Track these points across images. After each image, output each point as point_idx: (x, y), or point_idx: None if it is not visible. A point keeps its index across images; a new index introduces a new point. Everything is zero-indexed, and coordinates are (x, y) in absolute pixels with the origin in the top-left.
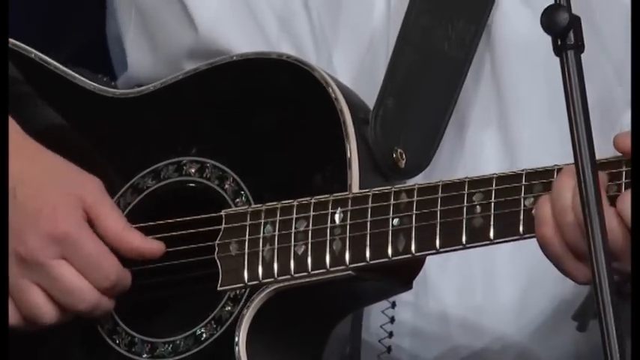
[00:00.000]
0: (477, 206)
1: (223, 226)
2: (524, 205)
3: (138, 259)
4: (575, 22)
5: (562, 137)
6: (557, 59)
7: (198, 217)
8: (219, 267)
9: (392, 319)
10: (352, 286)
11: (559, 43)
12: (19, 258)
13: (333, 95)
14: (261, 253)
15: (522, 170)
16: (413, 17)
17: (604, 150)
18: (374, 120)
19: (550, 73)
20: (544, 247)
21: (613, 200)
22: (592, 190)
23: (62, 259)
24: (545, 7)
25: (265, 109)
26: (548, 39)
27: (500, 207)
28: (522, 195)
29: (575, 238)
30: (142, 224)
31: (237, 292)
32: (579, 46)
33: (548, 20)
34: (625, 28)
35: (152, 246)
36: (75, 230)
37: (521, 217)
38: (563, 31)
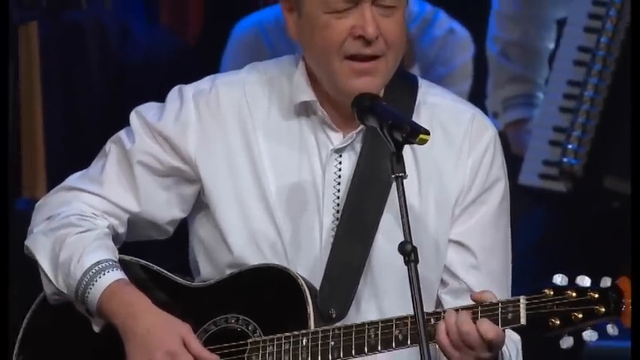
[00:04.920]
0: (372, 334)
1: (249, 347)
2: (396, 335)
3: None
4: (414, 249)
5: (407, 309)
6: (406, 268)
7: (238, 343)
8: None
9: None
10: None
11: (406, 259)
12: None
13: (301, 284)
14: (267, 358)
15: (392, 318)
16: (340, 239)
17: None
18: (320, 296)
19: (404, 276)
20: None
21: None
22: (422, 326)
23: None
24: (400, 241)
25: (266, 292)
26: (401, 257)
27: (383, 335)
28: (394, 330)
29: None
30: (210, 347)
31: None
32: (416, 260)
33: (401, 247)
34: (434, 251)
35: (212, 358)
36: (178, 350)
37: (394, 339)
38: (409, 253)
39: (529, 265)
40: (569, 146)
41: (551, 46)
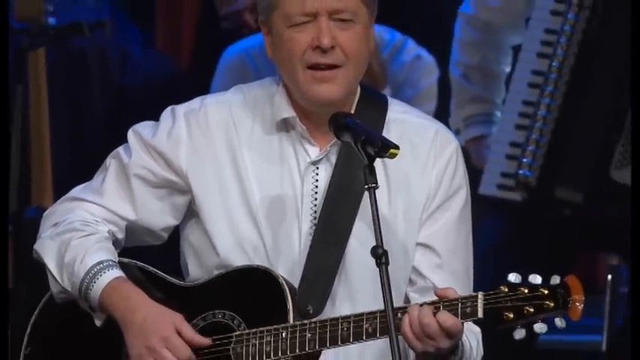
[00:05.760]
0: (345, 328)
1: (234, 339)
2: (366, 328)
3: (199, 348)
4: (385, 253)
5: (378, 306)
6: (377, 268)
7: (224, 335)
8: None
9: None
10: None
11: (378, 262)
12: (145, 346)
13: (281, 283)
14: (250, 349)
15: (363, 312)
16: (317, 243)
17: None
18: (298, 294)
19: (375, 276)
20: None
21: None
22: (392, 321)
23: (165, 349)
24: (372, 246)
25: (250, 290)
26: (372, 259)
27: (355, 328)
28: (364, 323)
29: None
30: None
31: None
32: (387, 263)
33: (373, 251)
34: (402, 254)
35: (204, 341)
36: (171, 336)
37: (364, 332)
38: (380, 257)
39: (488, 267)
40: (524, 160)
41: (508, 69)
